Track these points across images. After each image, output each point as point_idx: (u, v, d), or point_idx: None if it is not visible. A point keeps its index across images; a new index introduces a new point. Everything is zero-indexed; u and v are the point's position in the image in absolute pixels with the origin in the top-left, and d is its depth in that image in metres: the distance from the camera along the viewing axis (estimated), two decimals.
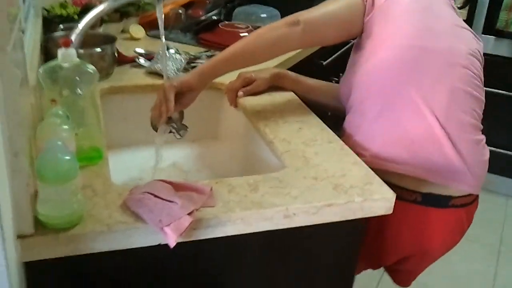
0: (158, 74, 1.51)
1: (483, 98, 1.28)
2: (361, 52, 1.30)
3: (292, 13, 1.94)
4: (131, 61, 1.59)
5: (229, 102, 1.43)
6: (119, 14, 1.82)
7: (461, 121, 1.22)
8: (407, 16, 1.26)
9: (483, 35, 2.64)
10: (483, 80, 1.29)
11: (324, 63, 2.09)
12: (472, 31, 1.34)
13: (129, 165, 1.43)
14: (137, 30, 1.84)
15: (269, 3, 2.07)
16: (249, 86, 1.42)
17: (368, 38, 1.29)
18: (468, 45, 1.29)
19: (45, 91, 1.00)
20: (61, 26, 1.56)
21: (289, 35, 1.24)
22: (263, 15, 1.96)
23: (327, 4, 1.29)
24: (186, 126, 1.28)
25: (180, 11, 1.85)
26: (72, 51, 0.96)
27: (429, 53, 1.23)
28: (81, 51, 1.36)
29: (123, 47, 1.73)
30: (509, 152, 2.76)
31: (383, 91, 1.23)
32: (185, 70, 1.55)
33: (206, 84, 1.26)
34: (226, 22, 1.88)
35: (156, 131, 1.25)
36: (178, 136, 1.25)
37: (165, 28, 1.88)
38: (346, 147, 1.17)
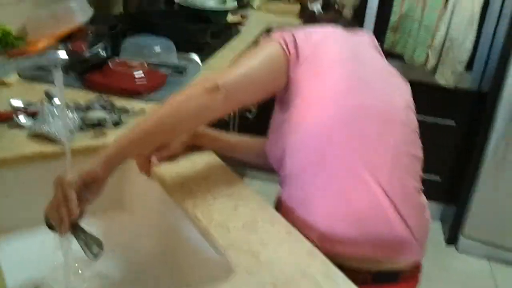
0: (46, 137, 1.23)
1: (422, 155, 1.20)
2: (290, 110, 1.16)
3: (185, 42, 1.80)
4: (8, 119, 1.29)
5: (140, 170, 1.20)
6: None
7: (405, 187, 1.13)
8: (338, 68, 1.13)
9: None
10: (418, 133, 1.21)
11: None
12: (400, 74, 1.26)
13: (25, 257, 1.15)
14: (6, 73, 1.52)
15: (159, 32, 1.85)
16: (164, 151, 1.20)
17: (295, 95, 1.15)
18: (403, 95, 1.21)
19: None
20: None
21: (211, 105, 1.06)
22: (157, 49, 1.74)
23: (246, 61, 1.14)
24: (99, 240, 0.97)
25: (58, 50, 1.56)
26: None
27: (367, 111, 1.12)
28: None
29: None
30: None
31: (323, 160, 1.09)
32: (81, 130, 1.28)
33: (114, 171, 1.01)
34: (117, 60, 1.62)
35: (53, 230, 0.98)
36: (90, 256, 0.94)
37: (42, 69, 1.60)
38: (292, 229, 1.02)
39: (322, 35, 1.19)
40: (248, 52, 1.19)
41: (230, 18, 2.41)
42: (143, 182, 1.22)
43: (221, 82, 1.06)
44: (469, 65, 2.53)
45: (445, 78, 2.51)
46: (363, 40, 1.26)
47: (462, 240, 2.78)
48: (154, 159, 1.18)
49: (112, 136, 1.28)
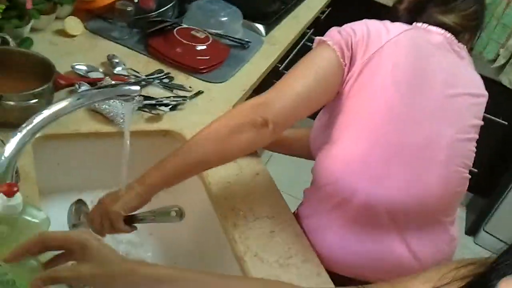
0: (102, 115, 1.26)
1: (465, 189, 1.19)
2: (331, 121, 1.14)
3: (253, 11, 1.75)
4: (70, 85, 1.31)
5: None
6: (53, 2, 1.48)
7: (429, 226, 1.15)
8: (385, 95, 1.09)
9: None
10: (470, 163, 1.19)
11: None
12: (479, 82, 1.21)
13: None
14: (73, 25, 1.51)
15: None
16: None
17: (339, 109, 1.12)
18: (458, 123, 1.14)
19: None
20: None
21: (259, 140, 1.05)
22: (223, 19, 1.69)
23: (299, 79, 1.08)
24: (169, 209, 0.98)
25: (128, 9, 1.54)
26: (17, 201, 0.72)
27: (404, 150, 1.10)
28: (11, 103, 1.08)
29: (56, 51, 1.43)
30: None
31: (350, 197, 1.10)
32: (139, 109, 1.30)
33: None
34: (182, 27, 1.60)
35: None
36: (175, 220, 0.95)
37: (109, 21, 1.60)
38: (321, 269, 1.06)
39: (381, 43, 1.11)
40: (302, 63, 1.11)
41: None
42: (192, 182, 1.25)
43: (271, 117, 1.02)
44: None
45: (509, 79, 2.41)
46: (436, 43, 1.17)
47: (482, 234, 2.80)
48: None
49: (167, 121, 1.30)
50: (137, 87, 0.86)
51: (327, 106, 1.18)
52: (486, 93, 1.20)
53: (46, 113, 0.85)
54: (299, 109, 1.08)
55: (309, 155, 1.26)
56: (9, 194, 0.71)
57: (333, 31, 1.14)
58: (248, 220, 1.11)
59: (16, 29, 1.35)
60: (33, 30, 1.43)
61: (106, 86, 1.05)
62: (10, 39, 1.27)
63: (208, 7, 1.72)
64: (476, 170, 2.93)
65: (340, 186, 1.10)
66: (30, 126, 0.85)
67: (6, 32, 1.30)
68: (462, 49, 1.20)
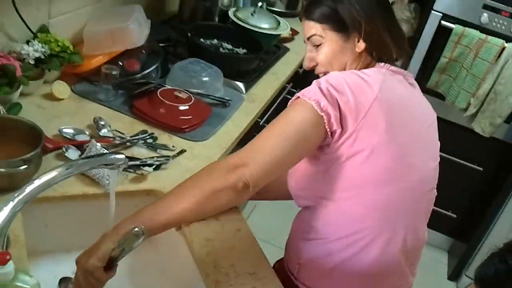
0: (89, 178, 1.31)
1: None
2: (327, 171, 1.18)
3: (232, 70, 1.86)
4: (58, 148, 1.36)
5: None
6: (40, 68, 1.55)
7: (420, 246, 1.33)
8: (383, 152, 1.14)
9: None
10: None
11: None
12: (429, 105, 1.30)
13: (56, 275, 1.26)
14: (60, 89, 1.58)
15: (208, 57, 1.88)
16: None
17: (332, 164, 1.16)
18: (434, 152, 1.27)
19: None
20: None
21: (237, 201, 1.14)
22: (205, 78, 1.77)
23: (278, 141, 1.11)
24: None
25: (114, 72, 1.61)
26: (9, 268, 0.77)
27: (405, 194, 1.20)
28: (1, 169, 1.13)
29: (44, 114, 1.49)
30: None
31: (354, 236, 1.19)
32: (124, 170, 1.36)
33: None
34: (165, 88, 1.67)
35: None
36: None
37: (95, 84, 1.67)
38: None
39: (369, 102, 1.13)
40: (280, 119, 1.15)
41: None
42: (175, 237, 1.30)
43: (252, 179, 1.08)
44: (508, 118, 2.52)
45: (482, 127, 2.51)
46: (400, 81, 1.24)
47: (464, 279, 2.85)
48: None
49: (151, 181, 1.36)
50: (122, 156, 0.93)
51: (316, 157, 1.20)
52: (435, 113, 1.31)
53: (37, 182, 0.90)
54: (279, 167, 1.14)
55: (282, 197, 1.40)
56: (2, 262, 0.76)
57: (313, 89, 1.14)
58: (230, 277, 1.15)
59: (5, 96, 1.41)
60: (21, 95, 1.50)
61: (93, 156, 1.11)
62: (1, 108, 1.33)
63: (190, 67, 1.80)
64: (455, 216, 3.01)
65: (344, 227, 1.20)
66: (22, 195, 0.90)
67: None
68: (412, 79, 1.31)
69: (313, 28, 1.26)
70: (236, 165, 1.09)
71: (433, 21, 2.53)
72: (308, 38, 1.28)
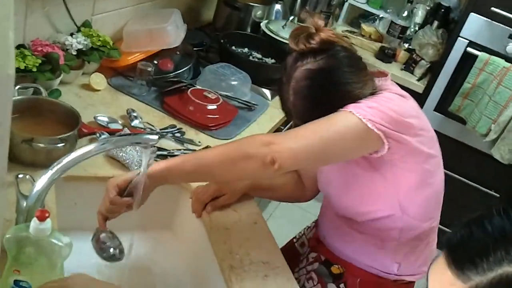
0: (119, 162, 1.40)
1: None
2: (379, 179, 1.23)
3: (260, 77, 1.95)
4: (92, 133, 1.45)
5: (193, 211, 1.35)
6: (82, 59, 1.65)
7: None
8: (413, 158, 1.20)
9: (434, 111, 2.70)
10: None
11: None
12: None
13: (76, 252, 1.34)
14: (98, 80, 1.68)
15: (238, 63, 1.97)
16: (220, 199, 1.35)
17: (398, 175, 1.22)
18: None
19: (8, 258, 0.88)
20: (18, 86, 1.38)
21: (260, 174, 1.17)
22: (233, 82, 1.86)
23: (319, 131, 1.13)
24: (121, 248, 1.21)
25: (149, 69, 1.71)
26: (47, 225, 0.85)
27: (437, 195, 1.31)
28: (41, 145, 1.22)
29: (80, 102, 1.59)
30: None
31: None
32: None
33: (155, 187, 1.16)
34: (195, 88, 1.76)
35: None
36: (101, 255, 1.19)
37: (130, 79, 1.76)
38: None
39: (412, 113, 1.19)
40: (325, 120, 1.15)
41: None
42: (190, 217, 1.37)
43: (280, 160, 1.10)
44: None
45: (501, 154, 2.54)
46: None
47: None
48: (209, 208, 1.33)
49: None
50: (155, 136, 1.00)
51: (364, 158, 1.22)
52: None
53: (74, 154, 0.98)
54: (307, 157, 1.16)
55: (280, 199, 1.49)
56: (42, 218, 0.84)
57: (363, 107, 1.14)
58: (244, 263, 1.22)
59: (48, 81, 1.51)
60: (61, 83, 1.60)
61: (127, 134, 1.19)
62: (42, 89, 1.43)
63: (220, 71, 1.89)
64: None
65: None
66: (60, 165, 0.98)
67: (39, 83, 1.46)
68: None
69: None
70: (271, 142, 1.13)
71: (459, 47, 2.58)
72: None
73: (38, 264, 0.87)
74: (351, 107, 1.14)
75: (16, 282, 0.87)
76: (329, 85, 1.18)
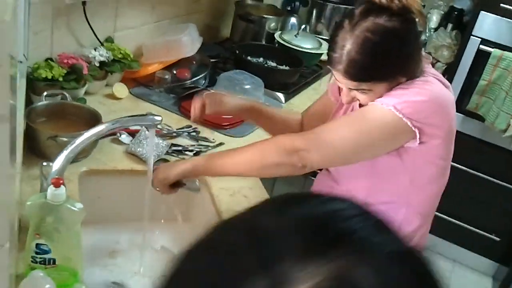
0: (138, 157, 1.52)
1: None
2: (401, 168, 1.25)
3: (274, 81, 2.05)
4: (113, 134, 1.59)
5: (192, 117, 1.45)
6: (104, 71, 1.80)
7: None
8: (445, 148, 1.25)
9: None
10: None
11: None
12: None
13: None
14: (120, 90, 1.83)
15: (252, 69, 2.08)
16: (220, 109, 1.46)
17: (425, 161, 1.25)
18: None
19: (30, 224, 1.00)
20: (45, 93, 1.54)
21: (293, 173, 1.19)
22: (247, 86, 1.98)
23: (353, 130, 1.16)
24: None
25: (166, 76, 1.85)
26: (61, 191, 0.97)
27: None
28: (64, 139, 1.36)
29: (104, 109, 1.73)
30: (458, 222, 2.89)
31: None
32: (167, 154, 1.56)
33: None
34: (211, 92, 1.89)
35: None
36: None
37: (149, 88, 1.90)
38: None
39: (450, 105, 1.21)
40: (357, 117, 1.20)
41: (323, 55, 2.59)
42: (206, 203, 1.48)
43: (310, 164, 1.13)
44: None
45: None
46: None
47: None
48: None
49: None
50: (159, 117, 1.12)
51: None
52: None
53: (86, 134, 1.11)
54: (340, 159, 1.22)
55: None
56: (57, 185, 0.96)
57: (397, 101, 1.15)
58: None
59: (73, 90, 1.66)
60: (86, 93, 1.75)
61: (135, 115, 1.32)
62: (68, 96, 1.58)
63: (234, 77, 2.01)
64: (498, 239, 3.00)
65: None
66: (74, 145, 1.11)
67: (65, 92, 1.61)
68: None
69: (362, 85, 1.18)
70: (300, 149, 1.14)
71: (472, 46, 2.63)
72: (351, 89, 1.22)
73: (56, 229, 0.99)
74: (388, 99, 1.15)
75: (37, 245, 0.99)
76: (395, 50, 1.15)
